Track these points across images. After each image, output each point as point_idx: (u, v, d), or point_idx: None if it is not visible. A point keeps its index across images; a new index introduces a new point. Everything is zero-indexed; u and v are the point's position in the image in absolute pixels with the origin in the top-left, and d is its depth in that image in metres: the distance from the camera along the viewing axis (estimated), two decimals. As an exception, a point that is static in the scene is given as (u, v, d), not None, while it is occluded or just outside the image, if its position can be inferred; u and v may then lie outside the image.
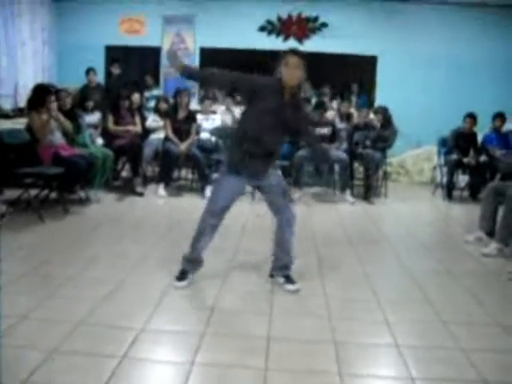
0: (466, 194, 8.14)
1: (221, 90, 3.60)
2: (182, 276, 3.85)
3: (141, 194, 7.03)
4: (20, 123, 6.46)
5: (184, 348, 2.91)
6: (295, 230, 3.93)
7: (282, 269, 3.94)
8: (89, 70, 9.06)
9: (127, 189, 7.22)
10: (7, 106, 8.54)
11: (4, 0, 8.57)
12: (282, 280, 3.90)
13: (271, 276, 4.01)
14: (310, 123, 3.68)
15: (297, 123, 3.73)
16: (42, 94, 5.91)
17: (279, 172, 3.89)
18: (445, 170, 8.14)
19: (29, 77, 9.04)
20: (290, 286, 3.84)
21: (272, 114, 3.55)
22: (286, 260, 3.94)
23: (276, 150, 3.80)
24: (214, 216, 3.76)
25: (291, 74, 3.53)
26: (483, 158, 7.79)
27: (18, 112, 7.88)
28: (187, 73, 3.62)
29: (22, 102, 7.31)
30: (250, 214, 6.41)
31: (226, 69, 3.65)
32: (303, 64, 3.58)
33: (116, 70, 9.69)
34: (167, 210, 6.65)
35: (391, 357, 2.90)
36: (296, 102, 3.70)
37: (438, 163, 8.55)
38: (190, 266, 3.88)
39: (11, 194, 5.91)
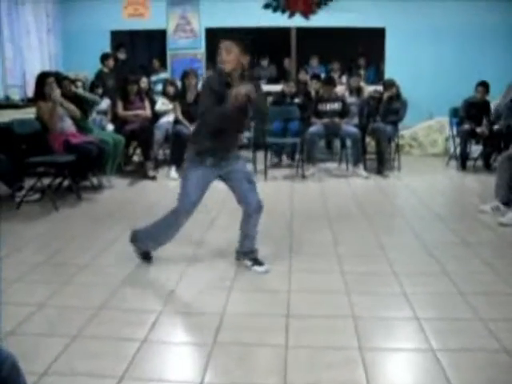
0: (480, 163, 8.06)
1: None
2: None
3: (153, 178, 7.03)
4: (30, 113, 6.46)
5: (204, 329, 2.91)
6: (260, 217, 3.81)
7: (247, 254, 3.87)
8: (107, 56, 8.97)
9: (139, 173, 7.23)
10: (16, 96, 8.54)
11: (7, -11, 8.54)
12: (249, 263, 3.84)
13: (237, 259, 3.93)
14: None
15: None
16: (43, 82, 5.93)
17: (243, 160, 3.80)
18: (458, 140, 8.06)
19: (36, 66, 9.01)
20: (257, 268, 3.79)
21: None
22: (250, 245, 3.86)
23: (237, 133, 3.74)
24: (189, 214, 3.67)
25: (221, 59, 3.43)
26: (497, 126, 7.70)
27: (28, 102, 7.88)
28: None
29: (31, 92, 7.29)
30: (262, 192, 6.40)
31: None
32: (234, 46, 3.41)
33: (122, 55, 9.63)
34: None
35: (411, 329, 2.89)
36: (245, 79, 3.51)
37: (450, 134, 8.47)
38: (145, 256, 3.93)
39: (25, 183, 5.93)
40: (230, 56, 3.41)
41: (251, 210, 3.72)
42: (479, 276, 3.67)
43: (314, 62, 10.43)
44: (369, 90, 9.04)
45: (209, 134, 3.50)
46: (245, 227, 3.81)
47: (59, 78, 6.41)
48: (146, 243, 3.86)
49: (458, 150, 7.98)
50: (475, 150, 8.22)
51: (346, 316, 3.03)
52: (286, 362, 2.54)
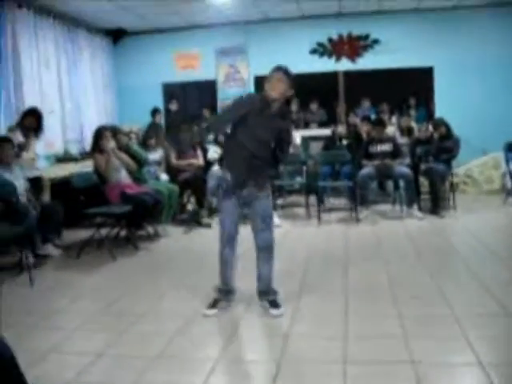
0: (539, 199, 7.83)
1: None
2: (213, 304, 3.93)
3: (207, 225, 7.10)
4: (88, 166, 6.71)
5: (261, 376, 2.90)
6: (271, 258, 3.90)
7: (261, 295, 3.93)
8: (157, 110, 9.36)
9: (194, 221, 7.32)
10: (74, 150, 8.89)
11: (67, 47, 8.99)
12: (266, 305, 3.88)
13: (259, 300, 3.97)
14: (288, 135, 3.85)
15: (280, 133, 3.77)
16: (99, 136, 6.18)
17: (269, 196, 3.88)
18: (514, 176, 7.88)
19: (93, 120, 9.39)
20: (273, 311, 3.81)
21: (258, 126, 3.67)
22: (263, 287, 3.92)
23: (264, 159, 3.77)
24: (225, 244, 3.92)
25: (271, 86, 3.63)
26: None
27: (85, 155, 8.17)
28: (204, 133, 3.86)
29: (88, 146, 7.59)
30: (316, 237, 6.38)
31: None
32: (287, 79, 3.66)
33: (173, 107, 9.93)
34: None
35: (474, 375, 2.79)
36: (282, 113, 3.78)
37: (506, 170, 8.28)
38: (221, 295, 3.97)
39: (84, 234, 6.12)
40: (279, 85, 3.63)
41: (257, 247, 3.87)
42: (544, 317, 3.53)
43: (366, 103, 10.42)
44: (416, 128, 9.00)
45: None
46: (257, 264, 3.92)
47: (115, 132, 6.65)
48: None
49: (516, 187, 7.79)
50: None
51: (405, 361, 2.95)
52: (345, 410, 2.49)
